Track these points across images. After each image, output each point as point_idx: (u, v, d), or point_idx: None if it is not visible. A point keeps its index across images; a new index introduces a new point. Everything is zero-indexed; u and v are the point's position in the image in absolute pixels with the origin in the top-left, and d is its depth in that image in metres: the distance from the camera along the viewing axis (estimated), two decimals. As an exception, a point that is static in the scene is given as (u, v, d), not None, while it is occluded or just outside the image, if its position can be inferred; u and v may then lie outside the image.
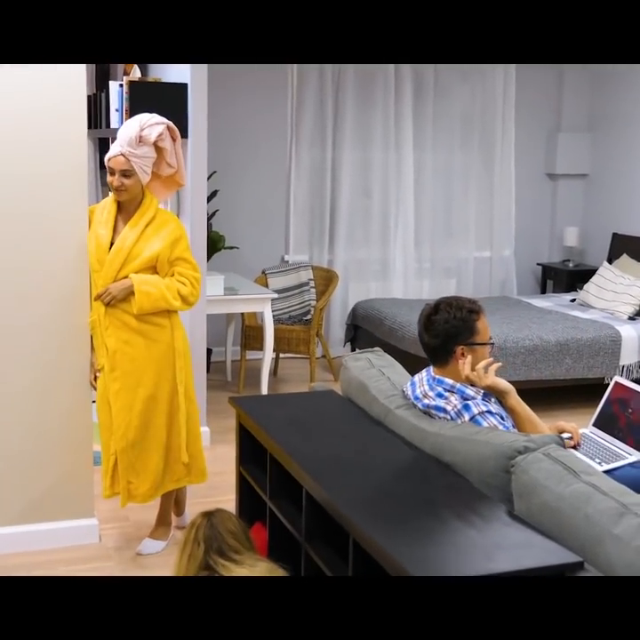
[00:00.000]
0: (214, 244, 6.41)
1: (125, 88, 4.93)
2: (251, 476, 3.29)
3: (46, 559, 3.74)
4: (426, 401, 3.04)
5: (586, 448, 3.30)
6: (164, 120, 3.78)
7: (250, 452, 3.32)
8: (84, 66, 3.68)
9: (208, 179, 6.39)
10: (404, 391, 3.23)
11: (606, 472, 3.12)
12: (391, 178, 7.15)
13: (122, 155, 3.61)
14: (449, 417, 2.96)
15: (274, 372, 6.58)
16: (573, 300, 6.75)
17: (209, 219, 6.45)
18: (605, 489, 2.29)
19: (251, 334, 6.10)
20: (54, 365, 3.73)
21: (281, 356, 6.68)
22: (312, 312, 6.36)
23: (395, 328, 5.98)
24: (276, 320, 6.30)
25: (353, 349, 6.72)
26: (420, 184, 7.25)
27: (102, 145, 6.71)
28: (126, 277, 3.56)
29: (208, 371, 6.58)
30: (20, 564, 3.68)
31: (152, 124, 3.72)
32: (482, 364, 2.98)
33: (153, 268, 3.62)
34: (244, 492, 3.40)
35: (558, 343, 5.72)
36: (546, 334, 5.74)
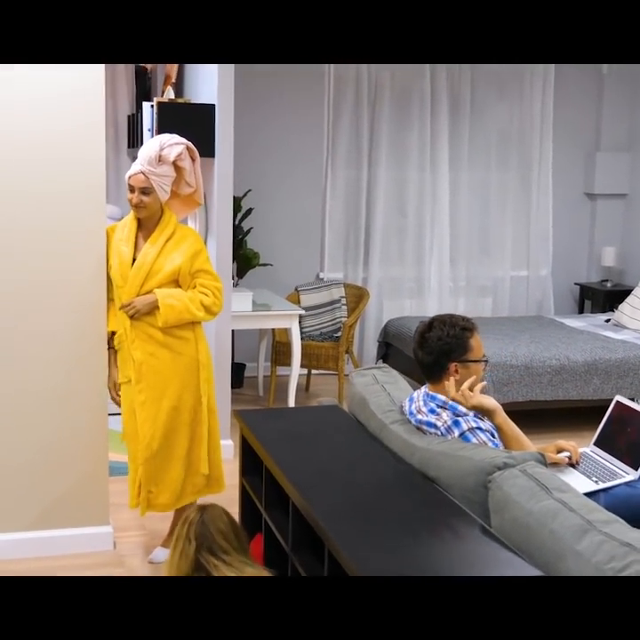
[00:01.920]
0: (249, 261, 6.53)
1: (155, 109, 5.08)
2: (251, 488, 3.36)
3: (60, 564, 3.85)
4: (419, 416, 3.09)
5: (584, 466, 3.30)
6: (184, 140, 3.88)
7: (251, 463, 3.39)
8: (102, 85, 3.80)
9: (243, 197, 6.55)
10: (402, 406, 3.27)
11: (602, 491, 3.12)
12: (426, 196, 7.20)
13: (142, 173, 3.73)
14: (439, 432, 3.00)
15: (306, 387, 6.66)
16: (608, 321, 6.70)
17: (244, 236, 6.59)
18: (574, 506, 2.31)
19: (281, 350, 6.18)
20: (71, 375, 3.86)
21: (314, 372, 6.75)
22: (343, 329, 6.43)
23: (423, 346, 6.00)
24: (308, 336, 6.38)
25: (385, 366, 6.76)
26: (455, 203, 7.29)
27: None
28: (150, 292, 3.68)
29: (241, 385, 6.71)
30: (35, 568, 3.80)
31: (172, 143, 3.83)
32: (466, 384, 3.01)
33: (175, 282, 3.73)
34: (246, 502, 3.47)
35: (586, 363, 5.69)
36: (573, 354, 5.72)
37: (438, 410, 3.06)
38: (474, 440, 2.93)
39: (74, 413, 3.89)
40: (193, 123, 5.04)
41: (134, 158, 6.60)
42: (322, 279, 7.04)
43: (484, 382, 3.10)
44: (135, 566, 3.83)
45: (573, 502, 2.33)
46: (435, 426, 3.01)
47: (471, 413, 3.03)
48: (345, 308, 6.56)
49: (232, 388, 5.56)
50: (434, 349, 3.07)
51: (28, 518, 3.91)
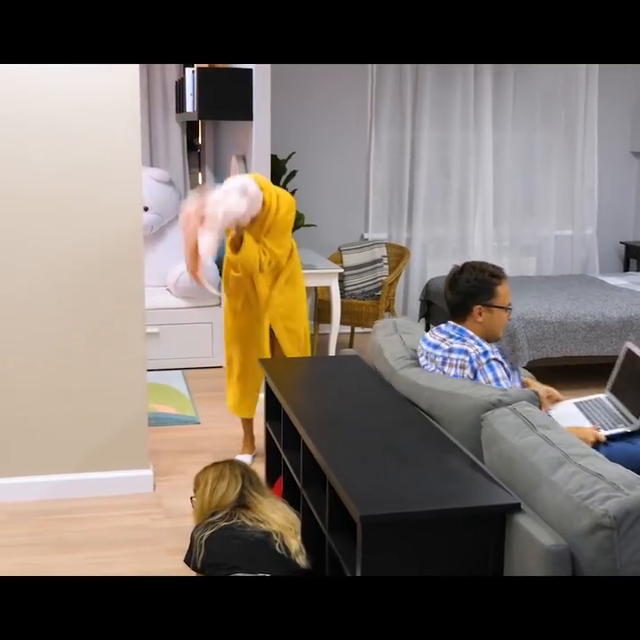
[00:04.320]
0: (294, 223, 6.70)
1: (195, 74, 5.27)
2: (273, 431, 3.57)
3: (103, 504, 4.12)
4: (445, 345, 3.27)
5: (590, 411, 3.42)
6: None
7: (273, 409, 3.60)
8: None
9: (287, 159, 6.72)
10: (415, 350, 3.45)
11: (603, 444, 3.24)
12: (470, 157, 7.28)
13: None
14: (468, 359, 3.17)
15: (349, 344, 6.84)
16: (650, 278, 6.72)
17: (288, 198, 6.76)
18: (555, 441, 2.46)
19: (323, 308, 6.37)
20: (110, 328, 4.11)
21: (358, 329, 6.93)
22: (384, 287, 6.59)
23: (462, 303, 6.13)
24: (350, 295, 6.55)
25: (427, 325, 6.91)
26: (499, 162, 7.35)
27: (189, 127, 7.10)
28: None
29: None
30: (80, 507, 4.08)
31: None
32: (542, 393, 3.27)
33: None
34: (270, 446, 3.68)
35: (621, 320, 5.75)
36: (609, 311, 5.79)
37: (469, 340, 3.23)
38: (497, 370, 3.13)
39: (116, 367, 4.14)
40: (231, 87, 5.21)
41: (182, 123, 6.84)
42: (366, 239, 7.19)
43: (561, 397, 3.34)
44: (171, 507, 4.08)
45: (555, 438, 2.48)
46: (466, 352, 3.19)
47: (496, 348, 3.21)
48: (386, 267, 6.71)
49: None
50: (462, 290, 3.26)
51: (75, 461, 4.19)
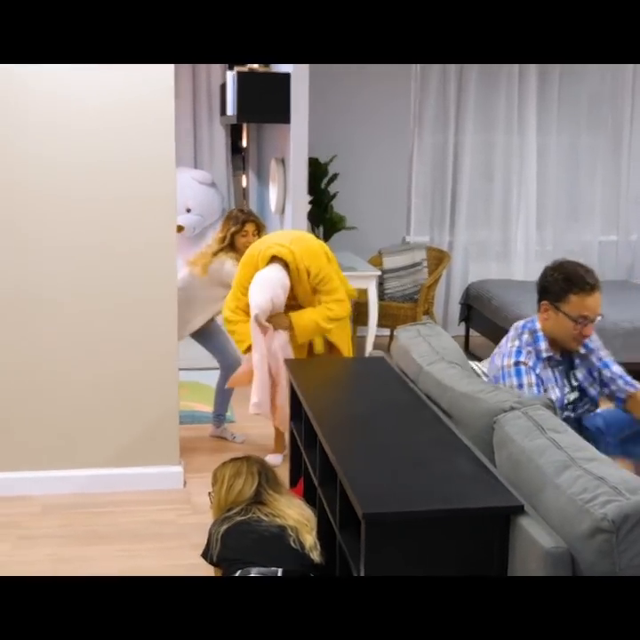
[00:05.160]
0: (334, 225, 6.76)
1: (235, 77, 5.34)
2: (296, 431, 3.62)
3: (134, 499, 4.21)
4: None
5: None
6: None
7: (296, 408, 3.64)
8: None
9: (329, 162, 6.77)
10: (440, 351, 3.52)
11: None
12: (514, 160, 7.26)
13: None
14: (502, 353, 3.29)
15: (387, 347, 6.86)
16: (695, 285, 6.64)
17: (329, 200, 6.81)
18: (563, 444, 2.47)
19: (361, 310, 6.40)
20: (143, 327, 4.19)
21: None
22: (424, 291, 6.59)
23: (500, 308, 6.12)
24: (389, 298, 6.58)
25: (467, 328, 6.90)
26: (543, 166, 7.31)
27: (234, 130, 7.18)
28: None
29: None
30: (111, 501, 4.17)
31: None
32: None
33: None
34: (294, 445, 3.73)
35: (662, 326, 5.69)
36: (650, 317, 5.73)
37: (525, 335, 3.33)
38: (523, 376, 3.20)
39: (148, 365, 4.23)
40: (270, 91, 5.27)
41: (226, 126, 6.93)
42: (408, 242, 7.20)
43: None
44: (200, 503, 4.14)
45: (564, 441, 2.49)
46: (501, 345, 3.34)
47: (535, 359, 3.26)
48: (426, 270, 6.71)
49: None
50: (539, 282, 3.33)
51: (107, 457, 4.28)
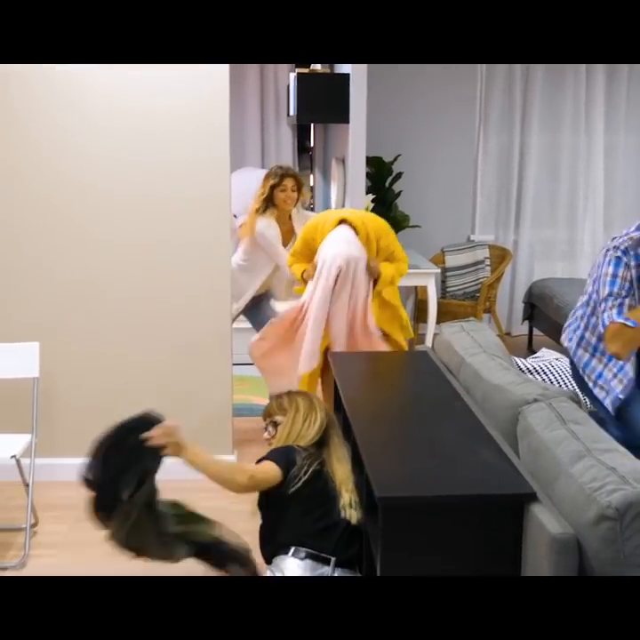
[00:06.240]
0: (398, 223, 6.83)
1: (295, 78, 5.47)
2: (339, 422, 3.71)
3: (188, 486, 4.33)
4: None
5: None
6: None
7: (339, 401, 3.74)
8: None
9: (393, 161, 6.85)
10: (483, 344, 3.55)
11: None
12: (580, 161, 7.21)
13: None
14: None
15: (450, 345, 6.90)
16: None
17: (394, 199, 6.89)
18: (581, 435, 2.51)
19: (423, 308, 6.47)
20: (199, 322, 4.36)
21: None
22: (486, 289, 6.62)
23: (561, 306, 6.11)
24: (451, 295, 6.62)
25: (530, 327, 6.89)
26: (610, 166, 7.25)
27: (301, 130, 7.31)
28: None
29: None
30: (166, 488, 4.31)
31: None
32: None
33: None
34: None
35: None
36: None
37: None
38: (619, 267, 3.23)
39: (203, 359, 4.40)
40: (329, 91, 5.38)
41: (293, 126, 7.05)
42: (472, 241, 7.23)
43: None
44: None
45: (582, 433, 2.53)
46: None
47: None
48: (488, 268, 6.74)
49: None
50: None
51: (163, 444, 4.45)
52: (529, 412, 2.73)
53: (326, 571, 2.88)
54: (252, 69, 6.79)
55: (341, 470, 3.05)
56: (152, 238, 4.27)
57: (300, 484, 2.97)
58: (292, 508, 2.99)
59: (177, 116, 4.17)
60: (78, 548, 3.76)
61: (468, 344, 3.59)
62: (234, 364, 4.56)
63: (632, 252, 3.26)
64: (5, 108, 4.12)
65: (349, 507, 2.96)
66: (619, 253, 3.25)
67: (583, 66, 7.04)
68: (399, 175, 6.85)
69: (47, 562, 3.67)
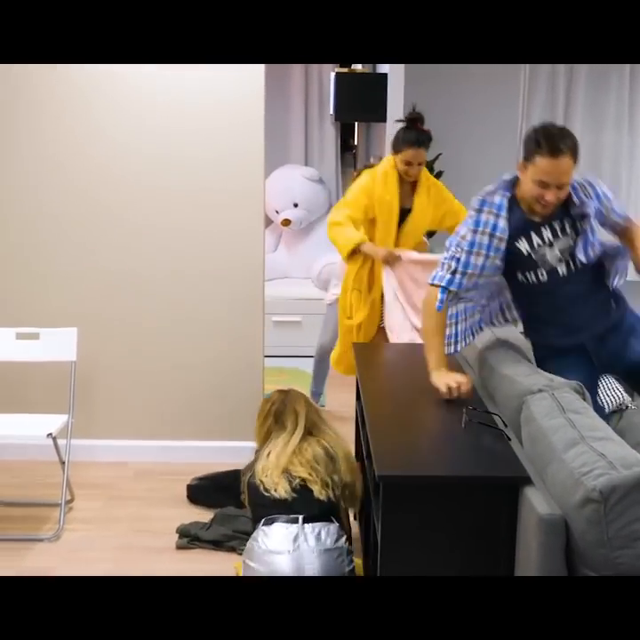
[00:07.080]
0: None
1: (333, 78, 5.60)
2: (359, 411, 3.85)
3: (217, 469, 4.53)
4: None
5: None
6: None
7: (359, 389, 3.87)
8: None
9: (434, 160, 6.94)
10: (500, 338, 3.65)
11: None
12: (622, 161, 7.23)
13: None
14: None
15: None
16: None
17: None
18: (578, 424, 2.60)
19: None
20: (232, 312, 4.54)
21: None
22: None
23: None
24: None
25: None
26: (654, 168, 7.26)
27: (345, 128, 7.43)
28: None
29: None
30: (197, 471, 4.48)
31: None
32: None
33: None
34: (357, 422, 3.96)
35: None
36: None
37: (500, 188, 3.55)
38: (468, 222, 3.38)
39: (236, 348, 4.58)
40: (367, 90, 5.51)
41: (337, 124, 7.17)
42: (512, 241, 7.27)
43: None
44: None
45: (579, 422, 2.62)
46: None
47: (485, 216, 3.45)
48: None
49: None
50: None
51: (195, 430, 4.64)
52: (532, 401, 2.83)
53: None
54: (296, 68, 6.93)
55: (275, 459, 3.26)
56: (189, 231, 4.45)
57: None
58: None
59: (214, 114, 4.34)
60: (110, 524, 3.95)
61: (487, 337, 3.68)
62: (273, 356, 4.73)
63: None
64: (53, 106, 4.33)
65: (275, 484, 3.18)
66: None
67: (627, 66, 7.05)
68: (440, 174, 6.93)
69: (81, 535, 3.87)
